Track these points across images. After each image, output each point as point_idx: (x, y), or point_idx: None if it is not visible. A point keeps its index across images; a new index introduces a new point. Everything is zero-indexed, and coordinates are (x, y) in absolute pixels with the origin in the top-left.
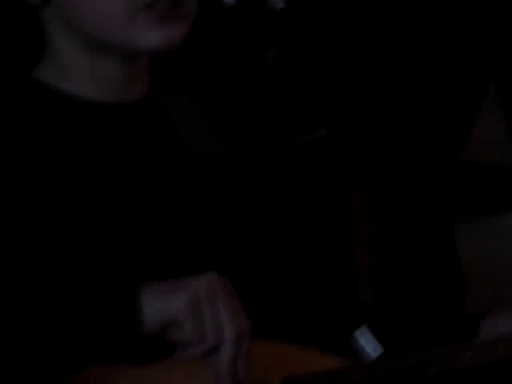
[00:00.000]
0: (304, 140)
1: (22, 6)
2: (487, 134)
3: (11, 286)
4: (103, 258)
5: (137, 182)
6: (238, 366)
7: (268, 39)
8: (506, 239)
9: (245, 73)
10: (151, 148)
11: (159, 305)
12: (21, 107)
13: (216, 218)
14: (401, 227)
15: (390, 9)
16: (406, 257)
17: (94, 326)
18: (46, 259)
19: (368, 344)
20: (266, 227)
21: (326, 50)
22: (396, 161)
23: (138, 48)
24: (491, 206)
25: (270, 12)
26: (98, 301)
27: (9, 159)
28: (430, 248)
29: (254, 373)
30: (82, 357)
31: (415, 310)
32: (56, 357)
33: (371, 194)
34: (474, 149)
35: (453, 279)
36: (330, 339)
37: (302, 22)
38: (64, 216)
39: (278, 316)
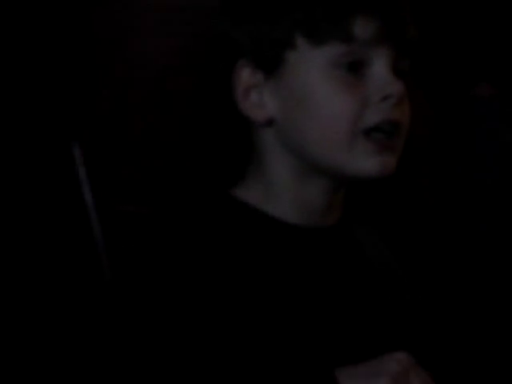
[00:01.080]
0: None
1: (241, 125)
2: None
3: None
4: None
5: (330, 298)
6: None
7: None
8: None
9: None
10: (343, 269)
11: None
12: (224, 225)
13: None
14: None
15: None
16: None
17: None
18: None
19: None
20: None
21: None
22: None
23: (356, 174)
24: None
25: None
26: None
27: (210, 276)
28: None
29: None
30: None
31: None
32: None
33: None
34: None
35: None
36: None
37: None
38: (260, 330)
39: None
